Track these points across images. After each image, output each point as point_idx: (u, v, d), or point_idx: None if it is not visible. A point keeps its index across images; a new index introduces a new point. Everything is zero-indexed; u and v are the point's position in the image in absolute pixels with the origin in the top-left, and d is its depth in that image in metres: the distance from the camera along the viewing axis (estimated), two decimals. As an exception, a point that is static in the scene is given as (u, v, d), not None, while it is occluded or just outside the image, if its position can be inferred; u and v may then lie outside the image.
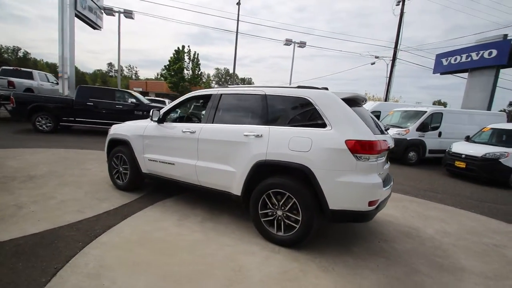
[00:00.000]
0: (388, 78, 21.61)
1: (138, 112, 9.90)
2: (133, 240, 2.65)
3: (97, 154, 6.46)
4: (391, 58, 21.68)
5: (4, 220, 2.83)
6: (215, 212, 3.52)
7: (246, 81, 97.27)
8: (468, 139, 8.31)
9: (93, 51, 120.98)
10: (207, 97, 3.50)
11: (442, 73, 20.42)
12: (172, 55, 29.41)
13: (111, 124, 4.78)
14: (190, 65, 30.24)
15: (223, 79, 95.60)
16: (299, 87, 2.94)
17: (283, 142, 2.65)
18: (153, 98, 16.09)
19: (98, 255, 2.35)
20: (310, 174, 2.49)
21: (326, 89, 2.83)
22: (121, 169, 4.11)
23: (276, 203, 2.72)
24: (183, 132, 3.36)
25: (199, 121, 4.48)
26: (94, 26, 15.02)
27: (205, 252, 2.53)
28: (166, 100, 16.06)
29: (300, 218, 2.58)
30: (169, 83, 29.10)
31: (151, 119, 3.72)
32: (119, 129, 4.19)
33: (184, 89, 29.23)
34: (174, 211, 3.46)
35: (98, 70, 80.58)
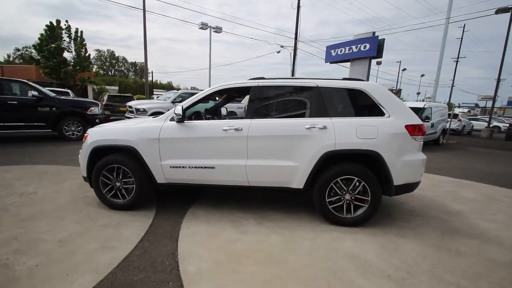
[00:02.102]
0: (292, 66, 24.14)
1: (44, 108, 7.55)
2: (224, 261, 2.29)
3: (19, 171, 4.70)
4: (293, 48, 24.18)
5: (14, 288, 1.86)
6: (257, 211, 3.37)
7: (139, 66, 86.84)
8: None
9: None
10: (242, 90, 3.21)
11: (331, 62, 24.41)
12: (43, 32, 22.71)
13: (2, 128, 3.57)
14: (73, 45, 24.22)
15: (107, 63, 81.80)
16: (345, 79, 3.14)
17: (351, 132, 2.83)
18: (56, 89, 12.30)
19: None
20: (379, 158, 2.80)
21: (263, 78, 3.14)
22: (118, 184, 3.24)
23: (345, 188, 2.92)
24: (225, 130, 2.99)
25: (213, 117, 4.02)
26: None
27: (304, 250, 2.49)
28: (70, 91, 12.72)
29: (369, 198, 2.89)
30: (45, 68, 22.58)
31: (170, 118, 3.10)
32: (108, 134, 3.25)
33: (67, 75, 23.48)
34: (216, 220, 3.10)
35: None
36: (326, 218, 3.03)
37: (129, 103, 10.48)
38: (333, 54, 24.11)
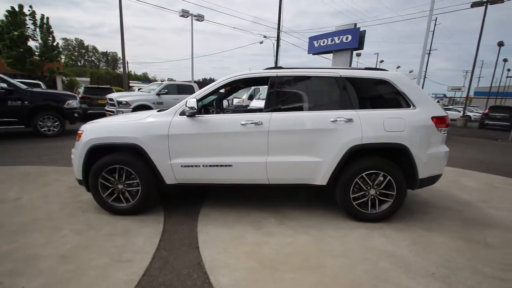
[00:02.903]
0: (275, 57, 23.87)
1: (15, 102, 6.78)
2: (258, 268, 2.08)
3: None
4: (276, 38, 23.83)
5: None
6: (275, 209, 3.19)
7: (111, 56, 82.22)
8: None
9: None
10: (258, 81, 2.96)
11: (314, 54, 24.41)
12: (3, 19, 20.53)
13: None
14: (38, 33, 22.13)
15: (76, 53, 76.63)
16: (367, 68, 2.98)
17: (378, 125, 2.70)
18: (26, 81, 11.05)
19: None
20: (406, 151, 2.70)
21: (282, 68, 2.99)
22: (121, 187, 2.90)
23: (370, 183, 2.80)
24: (243, 125, 2.74)
25: (217, 110, 3.72)
26: None
27: (337, 250, 2.35)
28: (41, 83, 11.60)
29: (394, 193, 2.80)
30: (7, 58, 20.50)
31: (179, 112, 2.79)
32: (107, 131, 2.87)
33: (33, 66, 21.59)
34: (234, 221, 2.87)
35: None
36: (350, 214, 2.91)
37: (109, 95, 9.71)
38: (316, 45, 24.09)
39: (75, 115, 8.06)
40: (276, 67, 2.96)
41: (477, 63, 18.96)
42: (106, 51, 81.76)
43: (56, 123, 7.61)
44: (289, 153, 2.78)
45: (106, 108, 9.72)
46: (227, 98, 4.49)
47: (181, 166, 2.82)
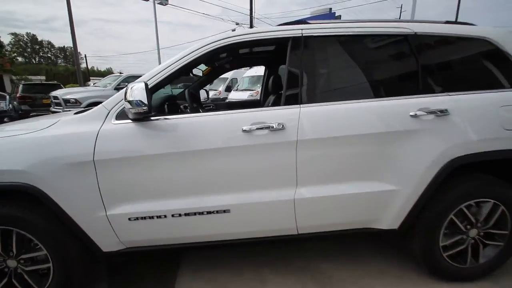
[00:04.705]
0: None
1: None
2: None
3: None
4: (249, 25, 22.30)
5: None
6: (302, 266, 1.91)
7: (69, 51, 75.43)
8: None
9: None
10: (265, 52, 1.65)
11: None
12: None
13: None
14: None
15: (29, 49, 69.39)
16: (448, 22, 1.75)
17: (490, 119, 1.50)
18: None
19: None
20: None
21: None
22: (13, 265, 1.47)
23: (472, 219, 1.62)
24: (246, 132, 1.40)
25: (193, 105, 2.33)
26: None
27: None
28: None
29: (507, 232, 1.65)
30: None
31: (117, 113, 1.40)
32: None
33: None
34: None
35: None
36: (435, 271, 1.72)
37: (53, 93, 7.73)
38: (290, 31, 23.06)
39: (5, 119, 6.24)
40: (298, 22, 1.63)
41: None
42: (64, 46, 74.58)
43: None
44: (335, 179, 1.50)
45: (51, 108, 7.80)
46: (206, 87, 3.09)
47: (129, 218, 1.44)
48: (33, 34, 71.82)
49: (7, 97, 6.62)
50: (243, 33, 1.53)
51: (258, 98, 3.38)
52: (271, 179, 1.47)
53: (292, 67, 1.54)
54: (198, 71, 2.51)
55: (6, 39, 57.60)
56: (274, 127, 1.41)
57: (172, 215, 1.45)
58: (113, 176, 1.39)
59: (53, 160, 1.34)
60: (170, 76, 1.48)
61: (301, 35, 1.53)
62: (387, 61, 1.64)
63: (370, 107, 1.49)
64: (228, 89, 11.23)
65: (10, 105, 6.47)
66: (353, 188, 1.51)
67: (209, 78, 2.77)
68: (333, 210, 1.55)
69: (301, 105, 1.47)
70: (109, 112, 1.42)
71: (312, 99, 1.49)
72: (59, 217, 1.40)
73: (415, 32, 1.58)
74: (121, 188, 1.41)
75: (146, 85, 1.27)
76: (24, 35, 69.53)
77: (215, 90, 11.26)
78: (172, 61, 1.49)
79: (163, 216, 1.45)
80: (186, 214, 1.45)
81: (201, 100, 3.04)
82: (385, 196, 1.54)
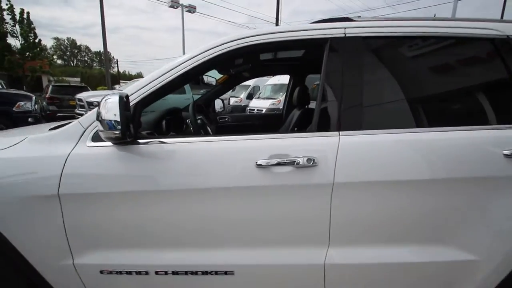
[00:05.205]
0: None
1: None
2: None
3: None
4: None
5: None
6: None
7: (103, 55, 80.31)
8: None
9: None
10: (295, 58, 1.35)
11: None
12: (-23, 14, 18.61)
13: None
14: (18, 29, 20.15)
15: (68, 53, 74.75)
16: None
17: None
18: None
19: None
20: None
21: None
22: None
23: None
24: (265, 167, 1.00)
25: (201, 128, 1.97)
26: None
27: None
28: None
29: None
30: (-18, 55, 18.60)
31: (93, 134, 1.05)
32: None
33: (12, 64, 19.73)
34: None
35: None
36: None
37: (78, 95, 7.91)
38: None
39: (29, 119, 6.32)
40: (340, 18, 1.23)
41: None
42: (99, 51, 79.40)
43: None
44: (385, 240, 1.06)
45: (76, 110, 7.96)
46: (226, 95, 2.76)
47: (101, 271, 1.09)
48: (73, 39, 77.59)
49: (33, 97, 6.75)
50: (262, 33, 1.14)
51: (281, 108, 2.98)
52: (293, 234, 1.06)
53: (330, 79, 1.13)
54: (212, 79, 2.17)
55: (49, 43, 62.73)
56: (301, 162, 1.00)
57: (156, 272, 1.08)
58: (83, 216, 1.05)
59: (9, 191, 1.03)
60: (166, 87, 1.12)
61: (343, 35, 1.12)
62: (466, 74, 1.18)
63: (444, 141, 1.03)
64: (250, 96, 10.96)
65: (36, 106, 6.58)
66: (413, 256, 1.05)
67: (225, 87, 2.42)
68: (379, 284, 1.10)
69: (340, 132, 1.05)
70: (84, 131, 1.09)
71: (358, 125, 1.06)
72: (15, 262, 1.08)
73: (507, 35, 1.11)
74: (93, 231, 1.07)
75: (122, 99, 0.91)
76: (65, 40, 75.22)
77: (237, 97, 11.05)
78: (169, 67, 1.13)
79: (144, 273, 1.08)
80: (174, 273, 1.07)
81: (217, 111, 2.71)
82: (460, 268, 1.06)
